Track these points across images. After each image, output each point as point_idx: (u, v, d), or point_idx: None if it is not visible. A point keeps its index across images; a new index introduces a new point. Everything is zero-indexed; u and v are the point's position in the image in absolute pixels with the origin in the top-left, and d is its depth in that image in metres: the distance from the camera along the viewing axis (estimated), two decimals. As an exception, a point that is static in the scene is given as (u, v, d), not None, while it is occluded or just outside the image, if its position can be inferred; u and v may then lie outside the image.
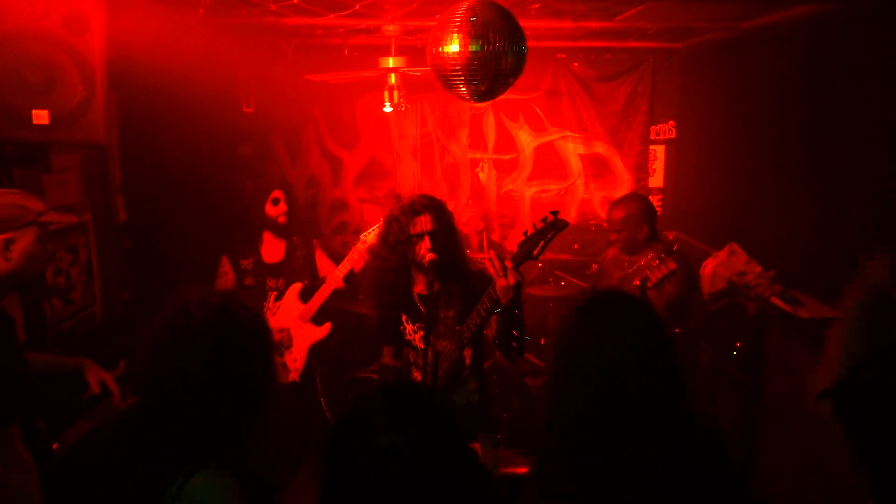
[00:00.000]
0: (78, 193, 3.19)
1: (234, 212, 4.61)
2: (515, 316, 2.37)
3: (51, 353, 2.74)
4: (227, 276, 3.63)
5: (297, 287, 3.70)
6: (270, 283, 3.68)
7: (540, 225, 2.28)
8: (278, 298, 3.68)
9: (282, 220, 3.68)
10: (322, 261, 3.93)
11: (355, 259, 3.65)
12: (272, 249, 3.74)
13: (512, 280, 2.24)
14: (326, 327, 3.72)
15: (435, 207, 2.62)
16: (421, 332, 2.67)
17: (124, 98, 3.50)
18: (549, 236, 2.26)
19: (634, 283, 3.28)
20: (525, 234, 2.32)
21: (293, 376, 3.64)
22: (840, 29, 3.18)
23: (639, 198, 3.66)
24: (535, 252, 2.27)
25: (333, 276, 3.70)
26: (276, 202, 3.68)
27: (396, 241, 2.62)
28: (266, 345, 1.53)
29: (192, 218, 4.09)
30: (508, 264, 2.26)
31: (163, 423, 1.41)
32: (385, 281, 2.72)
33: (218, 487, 1.36)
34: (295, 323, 3.66)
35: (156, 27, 3.23)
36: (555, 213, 2.28)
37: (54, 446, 2.40)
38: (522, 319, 2.42)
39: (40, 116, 2.25)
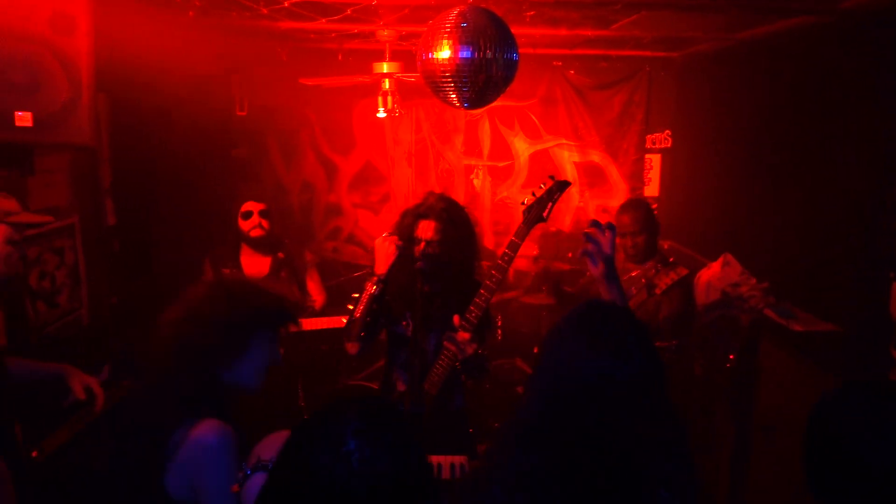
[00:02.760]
0: (65, 196, 3.15)
1: (227, 216, 4.58)
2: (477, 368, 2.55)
3: (34, 358, 2.70)
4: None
5: None
6: None
7: (541, 190, 2.36)
8: None
9: (255, 233, 3.44)
10: (313, 284, 3.75)
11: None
12: (254, 263, 3.54)
13: (469, 351, 2.39)
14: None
15: (443, 218, 2.56)
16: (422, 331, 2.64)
17: (115, 100, 3.47)
18: (555, 197, 2.35)
19: (631, 290, 3.24)
20: (524, 203, 2.39)
21: None
22: (833, 40, 3.16)
23: (646, 203, 3.64)
24: (545, 214, 2.36)
25: (320, 322, 3.58)
26: (247, 216, 3.44)
27: (399, 239, 2.60)
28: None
29: (183, 221, 4.05)
30: (465, 336, 2.40)
31: (174, 385, 1.61)
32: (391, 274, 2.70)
33: (221, 434, 1.55)
34: None
35: (146, 28, 3.21)
36: (551, 176, 2.38)
37: (33, 454, 2.35)
38: (484, 361, 2.59)
39: (23, 118, 2.22)
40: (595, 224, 1.91)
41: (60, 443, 2.55)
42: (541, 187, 2.36)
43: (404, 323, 2.70)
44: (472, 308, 2.45)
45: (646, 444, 1.32)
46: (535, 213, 2.35)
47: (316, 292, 3.74)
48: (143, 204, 3.76)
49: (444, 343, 2.48)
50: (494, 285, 2.41)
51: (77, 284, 3.26)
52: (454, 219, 2.59)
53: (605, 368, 1.30)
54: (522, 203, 2.39)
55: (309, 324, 3.57)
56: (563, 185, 2.35)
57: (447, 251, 2.55)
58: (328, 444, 1.05)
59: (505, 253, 2.40)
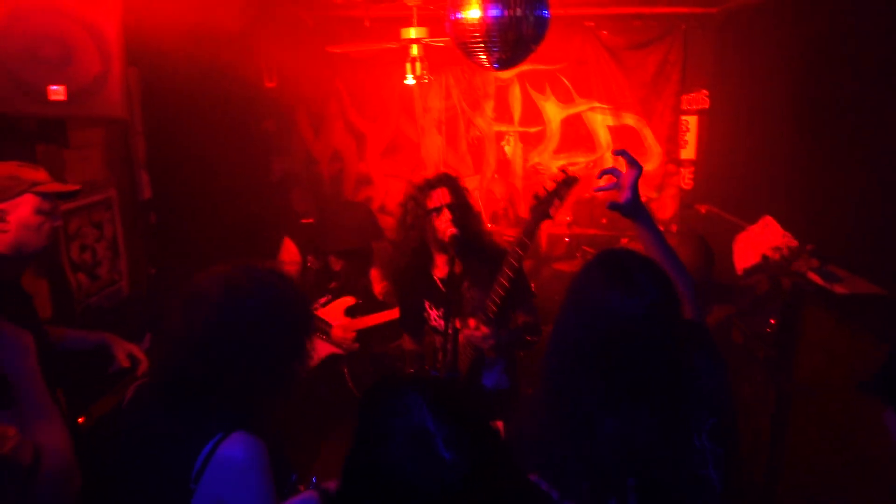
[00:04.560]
0: (101, 169, 3.20)
1: (260, 189, 4.63)
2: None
3: (77, 328, 2.78)
4: (293, 261, 3.69)
5: (347, 301, 3.74)
6: (330, 285, 3.77)
7: (552, 185, 2.23)
8: (328, 303, 3.74)
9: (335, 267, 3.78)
10: (374, 274, 3.98)
11: None
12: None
13: (486, 346, 2.39)
14: (352, 347, 3.70)
15: (450, 182, 2.56)
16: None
17: (145, 74, 3.49)
18: (562, 193, 2.22)
19: None
20: (536, 196, 2.28)
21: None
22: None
23: None
24: (551, 211, 2.24)
25: (383, 315, 3.69)
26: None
27: (415, 217, 2.56)
28: (305, 319, 1.57)
29: (216, 194, 4.10)
30: (478, 334, 2.38)
31: (196, 386, 1.44)
32: (401, 265, 2.67)
33: (250, 449, 1.40)
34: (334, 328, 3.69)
35: (173, 1, 3.19)
36: (564, 171, 2.25)
37: (80, 420, 2.43)
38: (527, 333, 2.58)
39: (57, 92, 2.24)
40: (621, 153, 1.80)
41: (109, 408, 2.63)
42: (553, 181, 2.25)
43: (426, 314, 2.68)
44: (487, 303, 2.40)
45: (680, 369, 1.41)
46: (541, 211, 2.24)
47: (375, 279, 3.95)
48: (178, 177, 3.80)
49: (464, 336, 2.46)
50: (507, 282, 2.34)
51: (116, 257, 3.33)
52: (456, 183, 2.58)
53: (615, 303, 1.37)
54: (535, 196, 2.28)
55: (367, 319, 3.72)
56: (570, 182, 2.21)
57: (464, 214, 2.53)
58: (418, 452, 1.01)
59: (515, 251, 2.32)
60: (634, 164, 1.78)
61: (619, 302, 1.37)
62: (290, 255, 3.69)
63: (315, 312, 3.64)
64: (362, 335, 3.74)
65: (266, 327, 1.47)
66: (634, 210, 1.81)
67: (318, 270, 3.73)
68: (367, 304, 3.79)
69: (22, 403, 1.55)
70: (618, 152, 1.80)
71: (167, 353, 1.49)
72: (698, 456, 1.40)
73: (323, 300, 3.73)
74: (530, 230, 2.26)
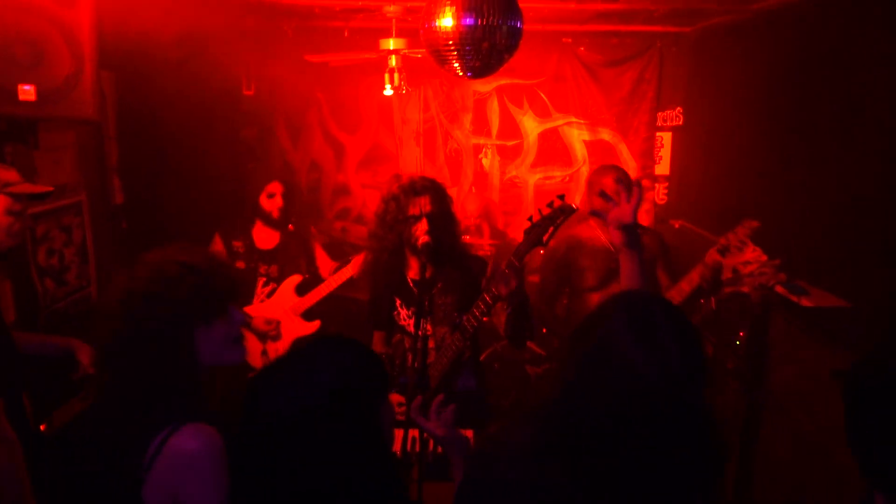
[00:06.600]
0: (72, 173, 3.15)
1: (236, 195, 4.60)
2: (524, 310, 2.42)
3: (42, 334, 2.72)
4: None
5: (295, 279, 3.67)
6: (262, 269, 3.64)
7: (547, 210, 2.21)
8: (267, 284, 3.64)
9: (276, 215, 3.61)
10: (319, 256, 3.91)
11: (357, 267, 3.60)
12: (265, 236, 3.69)
13: (513, 285, 2.25)
14: (315, 324, 3.70)
15: (435, 190, 2.57)
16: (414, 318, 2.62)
17: (121, 78, 3.46)
18: (558, 221, 2.19)
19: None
20: (530, 219, 2.25)
21: None
22: (856, 10, 3.08)
23: None
24: (545, 238, 2.21)
25: (333, 279, 3.67)
26: (271, 196, 3.61)
27: (394, 220, 2.56)
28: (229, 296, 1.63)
29: (191, 201, 4.05)
30: (507, 271, 2.26)
31: (137, 384, 1.46)
32: (380, 261, 2.68)
33: (202, 440, 1.40)
34: (286, 315, 3.63)
35: (151, 7, 3.18)
36: (561, 196, 2.22)
37: (41, 427, 2.37)
38: (530, 309, 2.46)
39: (27, 92, 2.21)
40: (638, 184, 1.81)
41: (71, 416, 2.57)
42: (549, 206, 2.22)
43: (395, 312, 2.69)
44: (468, 318, 2.43)
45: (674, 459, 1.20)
46: (535, 236, 2.22)
47: (323, 263, 3.88)
48: (151, 183, 3.76)
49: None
50: (491, 301, 2.34)
51: (85, 262, 3.27)
52: (441, 192, 2.59)
53: (638, 363, 1.17)
54: (529, 219, 2.25)
55: (319, 290, 3.70)
56: (567, 211, 2.18)
57: (443, 225, 2.54)
58: (289, 376, 1.29)
59: (503, 272, 2.31)
60: (640, 195, 1.83)
61: (644, 364, 1.16)
62: (214, 248, 3.63)
63: (260, 313, 3.60)
64: (322, 314, 3.72)
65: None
66: (632, 237, 1.82)
67: (246, 253, 3.59)
68: (317, 277, 3.74)
69: None
70: (637, 182, 1.85)
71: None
72: None
73: (267, 290, 3.63)
74: (521, 254, 2.23)
